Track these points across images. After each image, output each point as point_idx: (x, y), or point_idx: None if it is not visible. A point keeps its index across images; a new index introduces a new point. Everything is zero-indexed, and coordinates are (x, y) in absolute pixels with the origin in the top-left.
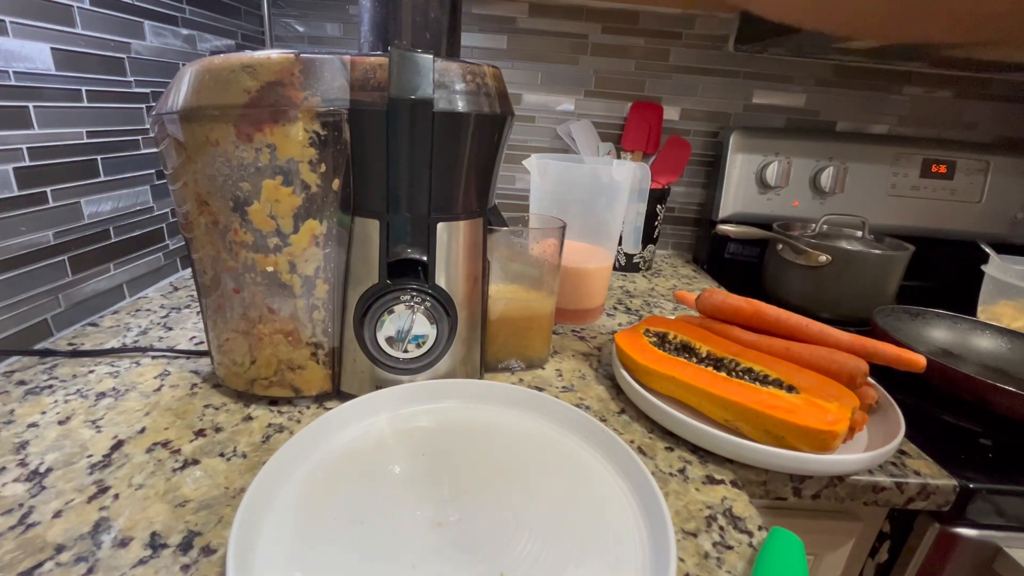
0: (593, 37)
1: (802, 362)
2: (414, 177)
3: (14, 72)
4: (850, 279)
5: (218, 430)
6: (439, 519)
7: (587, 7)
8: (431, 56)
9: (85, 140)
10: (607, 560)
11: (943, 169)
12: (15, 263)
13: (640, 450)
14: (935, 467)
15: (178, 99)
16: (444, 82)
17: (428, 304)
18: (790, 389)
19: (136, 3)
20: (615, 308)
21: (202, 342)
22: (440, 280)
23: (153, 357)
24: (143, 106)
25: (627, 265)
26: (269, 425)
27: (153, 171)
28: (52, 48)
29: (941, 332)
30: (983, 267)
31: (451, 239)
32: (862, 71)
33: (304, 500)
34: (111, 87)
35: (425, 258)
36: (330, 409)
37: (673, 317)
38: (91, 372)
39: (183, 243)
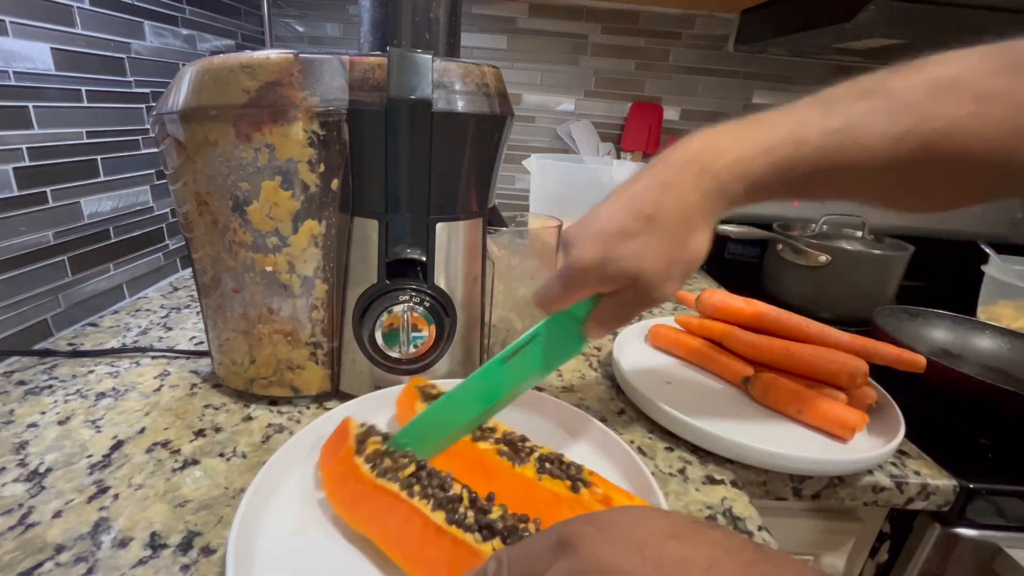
0: (593, 37)
1: (802, 362)
2: (413, 177)
3: (14, 72)
4: (850, 279)
5: (218, 430)
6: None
7: (587, 7)
8: (430, 56)
9: (85, 140)
10: None
11: None
12: (15, 263)
13: (640, 450)
14: (935, 467)
15: (178, 99)
16: (443, 82)
17: (427, 304)
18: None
19: (136, 3)
20: None
21: (202, 342)
22: (439, 280)
23: (153, 357)
24: (143, 106)
25: None
26: (269, 425)
27: (153, 171)
28: (52, 48)
29: (941, 332)
30: (983, 267)
31: (450, 239)
32: (862, 71)
33: (304, 500)
34: (111, 87)
35: (424, 258)
36: (330, 409)
37: (672, 319)
38: (91, 372)
39: (183, 243)
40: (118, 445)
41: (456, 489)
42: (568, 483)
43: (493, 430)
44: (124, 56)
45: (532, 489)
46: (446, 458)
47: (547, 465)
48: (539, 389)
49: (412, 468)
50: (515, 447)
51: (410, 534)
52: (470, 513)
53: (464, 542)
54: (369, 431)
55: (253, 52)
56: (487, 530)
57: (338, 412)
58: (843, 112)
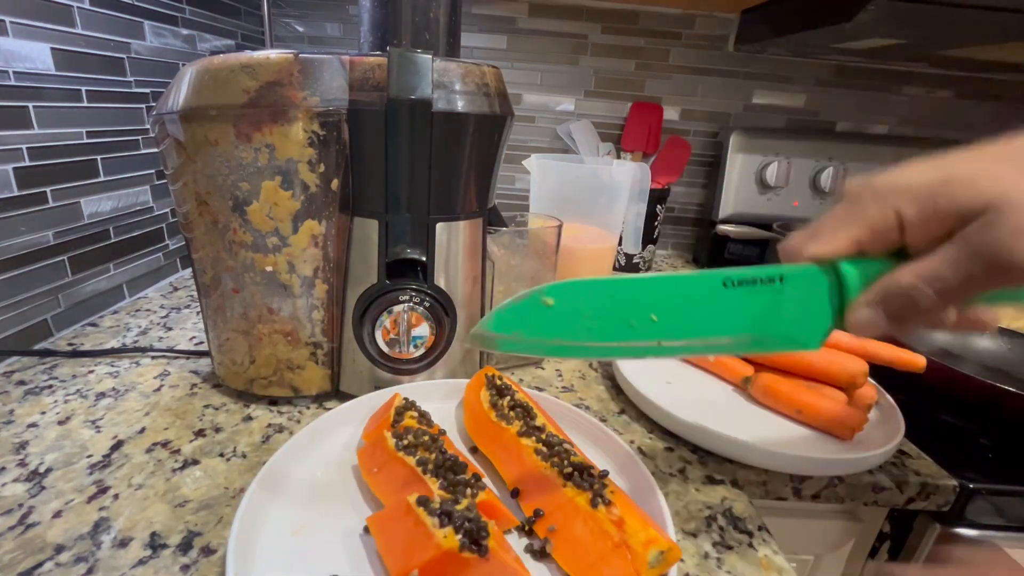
0: (593, 37)
1: (802, 362)
2: (413, 177)
3: (14, 72)
4: None
5: (218, 430)
6: None
7: (587, 7)
8: (430, 56)
9: (85, 140)
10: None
11: None
12: (15, 263)
13: (640, 450)
14: (935, 467)
15: (178, 99)
16: (443, 82)
17: (427, 304)
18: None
19: (136, 3)
20: None
21: (202, 342)
22: (439, 280)
23: (153, 357)
24: (143, 106)
25: (627, 265)
26: (269, 425)
27: (153, 171)
28: (52, 48)
29: (941, 332)
30: None
31: (450, 239)
32: (862, 71)
33: (304, 500)
34: (111, 87)
35: (424, 258)
36: (330, 409)
37: None
38: (91, 372)
39: (183, 243)
40: (118, 445)
41: (425, 480)
42: (589, 495)
43: (540, 429)
44: (124, 56)
45: (555, 492)
46: (492, 447)
47: (575, 474)
48: (539, 389)
49: (426, 453)
50: (552, 450)
51: (389, 511)
52: (436, 500)
53: (424, 523)
54: (409, 406)
55: (253, 52)
56: (446, 517)
57: (338, 412)
58: None
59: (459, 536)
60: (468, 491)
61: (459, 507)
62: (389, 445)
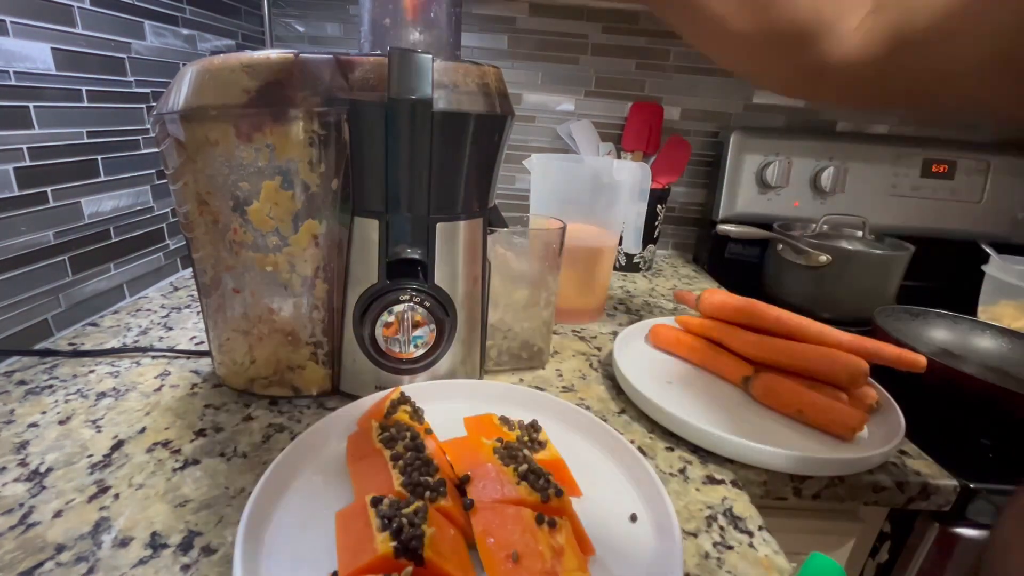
0: (593, 37)
1: (802, 362)
2: (414, 177)
3: (14, 72)
4: (850, 279)
5: (218, 430)
6: None
7: (587, 7)
8: (430, 56)
9: (85, 140)
10: (613, 558)
11: (944, 169)
12: (15, 263)
13: (640, 450)
14: (935, 467)
15: (178, 99)
16: (444, 82)
17: (427, 304)
18: None
19: (136, 3)
20: (615, 308)
21: (202, 342)
22: (440, 280)
23: (153, 357)
24: (143, 106)
25: (627, 265)
26: (269, 425)
27: (153, 171)
28: (52, 48)
29: (941, 332)
30: (983, 267)
31: (451, 239)
32: None
33: (310, 497)
34: (111, 87)
35: (424, 258)
36: (329, 408)
37: (672, 319)
38: (91, 372)
39: (183, 243)
40: (119, 445)
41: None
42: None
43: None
44: (124, 56)
45: (504, 504)
46: (453, 445)
47: (529, 477)
48: (540, 389)
49: (403, 450)
50: (512, 454)
51: (352, 508)
52: (386, 501)
53: (371, 525)
54: (405, 400)
55: (253, 52)
56: (388, 521)
57: (341, 413)
58: None
59: (394, 543)
60: (427, 494)
61: (408, 510)
62: (373, 435)
